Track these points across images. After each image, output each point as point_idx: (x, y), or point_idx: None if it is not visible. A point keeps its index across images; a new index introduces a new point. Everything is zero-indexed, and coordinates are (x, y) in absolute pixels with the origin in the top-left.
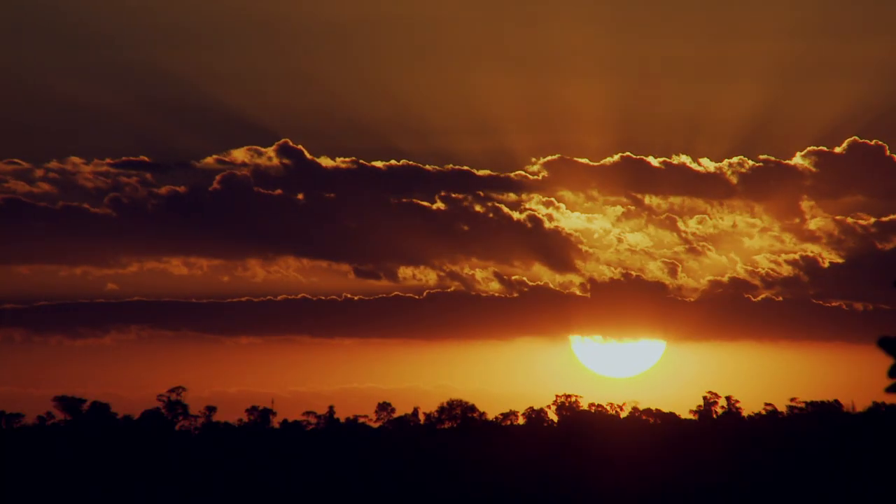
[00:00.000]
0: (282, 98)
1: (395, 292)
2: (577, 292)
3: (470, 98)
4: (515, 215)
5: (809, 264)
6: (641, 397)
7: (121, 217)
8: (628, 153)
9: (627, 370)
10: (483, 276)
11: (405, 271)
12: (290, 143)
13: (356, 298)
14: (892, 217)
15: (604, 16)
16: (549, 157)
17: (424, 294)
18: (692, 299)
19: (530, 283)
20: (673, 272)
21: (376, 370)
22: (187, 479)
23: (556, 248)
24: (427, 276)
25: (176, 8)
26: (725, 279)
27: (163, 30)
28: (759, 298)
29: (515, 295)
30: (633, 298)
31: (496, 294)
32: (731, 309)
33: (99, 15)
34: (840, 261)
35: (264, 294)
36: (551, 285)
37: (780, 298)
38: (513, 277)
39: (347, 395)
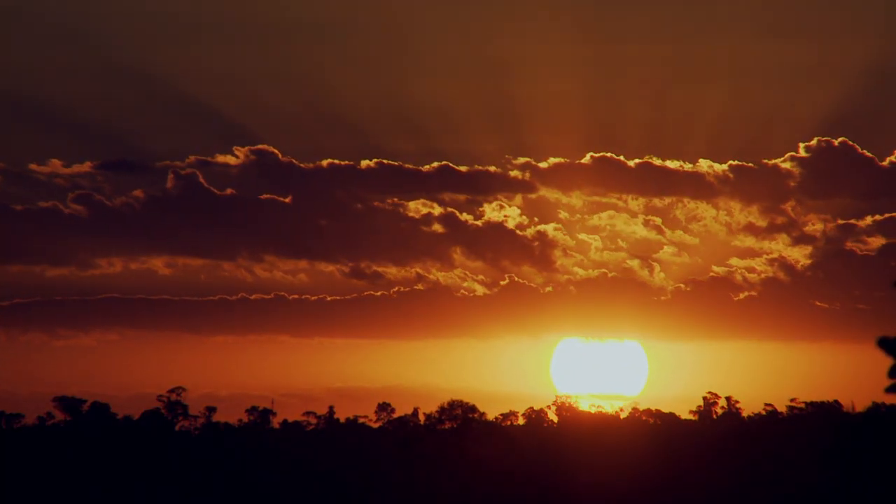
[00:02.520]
0: (263, 100)
1: (368, 291)
2: (559, 291)
3: (450, 100)
4: (496, 215)
5: (790, 264)
6: (638, 397)
7: (101, 218)
8: (609, 154)
9: (621, 387)
10: (463, 275)
11: (385, 270)
12: (270, 146)
13: (330, 299)
14: (869, 217)
15: (579, 18)
16: (528, 159)
17: (395, 292)
18: (673, 299)
19: (511, 282)
20: (653, 272)
21: (358, 369)
22: (187, 479)
23: (536, 248)
24: (407, 276)
25: (164, 9)
26: (706, 279)
27: (147, 31)
28: (740, 297)
29: (490, 293)
30: (613, 298)
31: (476, 293)
32: (714, 308)
33: (83, 16)
34: (820, 260)
35: (243, 293)
36: (532, 284)
37: (762, 297)
38: (491, 277)
39: (329, 395)
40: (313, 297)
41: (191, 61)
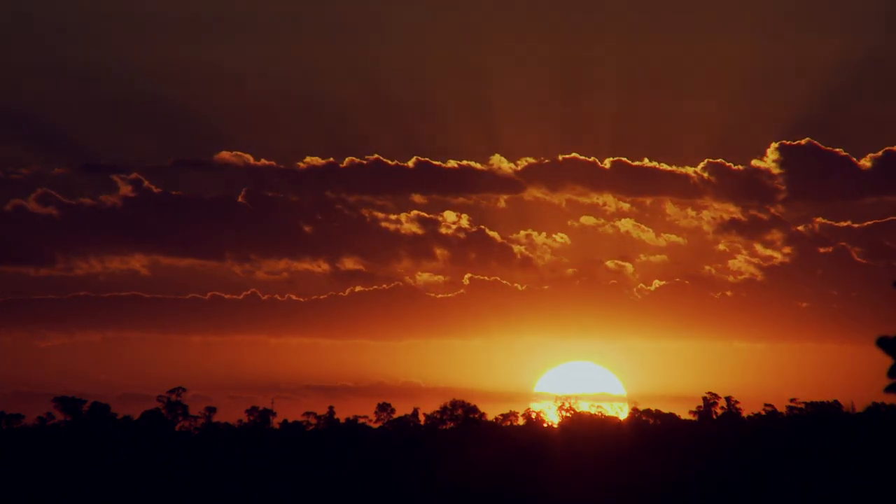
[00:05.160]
0: (243, 99)
1: (339, 291)
2: (543, 292)
3: (431, 97)
4: (474, 215)
5: (770, 265)
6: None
7: (81, 219)
8: (591, 154)
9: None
10: (443, 275)
11: (362, 270)
12: (249, 145)
13: (305, 299)
14: (851, 217)
15: (557, 18)
16: (505, 159)
17: (370, 291)
18: (657, 298)
19: (493, 283)
20: (636, 272)
21: (340, 369)
22: (187, 479)
23: (517, 248)
24: (384, 275)
25: (148, 9)
26: (690, 279)
27: (126, 31)
28: (723, 296)
29: (471, 293)
30: (596, 298)
31: (456, 293)
32: (698, 308)
33: (69, 15)
34: (805, 260)
35: (220, 292)
36: (509, 284)
37: (746, 297)
38: (472, 276)
39: (304, 394)
40: (283, 298)
41: (173, 60)
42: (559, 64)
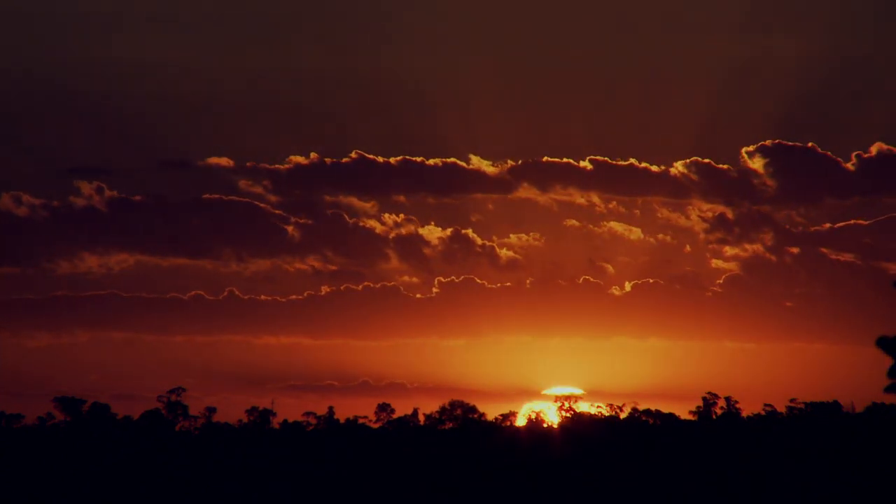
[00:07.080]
0: (225, 96)
1: (310, 291)
2: (520, 291)
3: (413, 100)
4: (460, 216)
5: (755, 264)
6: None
7: (74, 221)
8: (546, 157)
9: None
10: (423, 275)
11: (343, 271)
12: (232, 143)
13: (283, 299)
14: (840, 219)
15: (543, 19)
16: (483, 158)
17: (348, 289)
18: (636, 298)
19: (476, 283)
20: (624, 271)
21: (318, 368)
22: (187, 479)
23: (501, 248)
24: (367, 274)
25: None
26: (671, 278)
27: (116, 30)
28: (700, 295)
29: (447, 292)
30: (572, 298)
31: (439, 293)
32: (680, 306)
33: (52, 16)
34: (788, 259)
35: (201, 292)
36: (488, 283)
37: (729, 297)
38: (458, 276)
39: (297, 394)
40: (262, 298)
41: (156, 63)
42: (541, 64)
